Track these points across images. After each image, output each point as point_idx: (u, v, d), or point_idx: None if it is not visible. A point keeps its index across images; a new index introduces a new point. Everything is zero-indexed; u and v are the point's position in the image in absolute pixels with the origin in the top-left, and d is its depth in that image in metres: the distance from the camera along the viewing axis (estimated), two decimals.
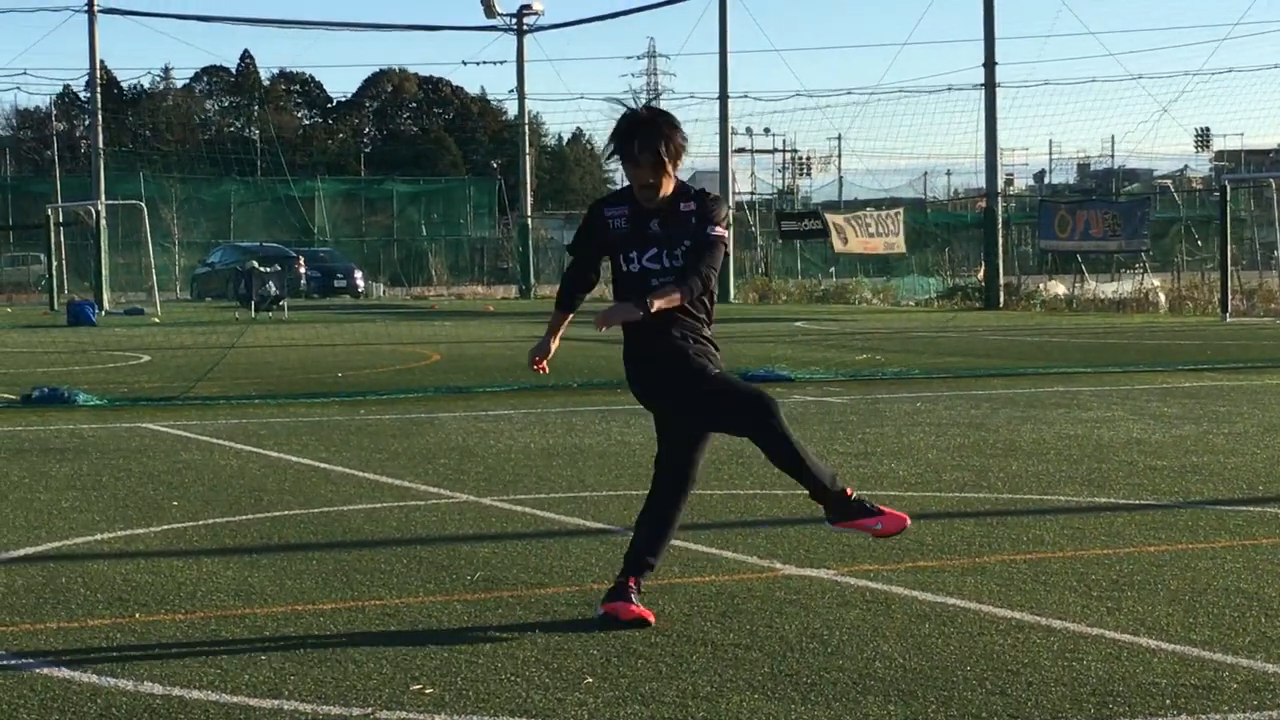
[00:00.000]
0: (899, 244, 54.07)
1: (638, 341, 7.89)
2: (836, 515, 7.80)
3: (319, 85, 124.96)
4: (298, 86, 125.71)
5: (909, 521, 7.84)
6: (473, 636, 7.50)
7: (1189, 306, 45.43)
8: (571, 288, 8.15)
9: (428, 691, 6.59)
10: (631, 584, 7.81)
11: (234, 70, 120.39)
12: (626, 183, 7.83)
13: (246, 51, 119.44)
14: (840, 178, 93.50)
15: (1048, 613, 7.84)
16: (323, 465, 13.58)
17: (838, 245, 54.51)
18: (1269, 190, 48.02)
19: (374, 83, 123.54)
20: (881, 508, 7.81)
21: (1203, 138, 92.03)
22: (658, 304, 7.58)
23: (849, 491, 7.80)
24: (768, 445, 7.82)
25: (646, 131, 7.60)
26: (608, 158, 7.91)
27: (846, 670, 6.83)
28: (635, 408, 17.97)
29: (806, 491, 7.89)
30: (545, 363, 8.19)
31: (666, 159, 7.61)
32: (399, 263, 77.16)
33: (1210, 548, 9.51)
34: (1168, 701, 6.32)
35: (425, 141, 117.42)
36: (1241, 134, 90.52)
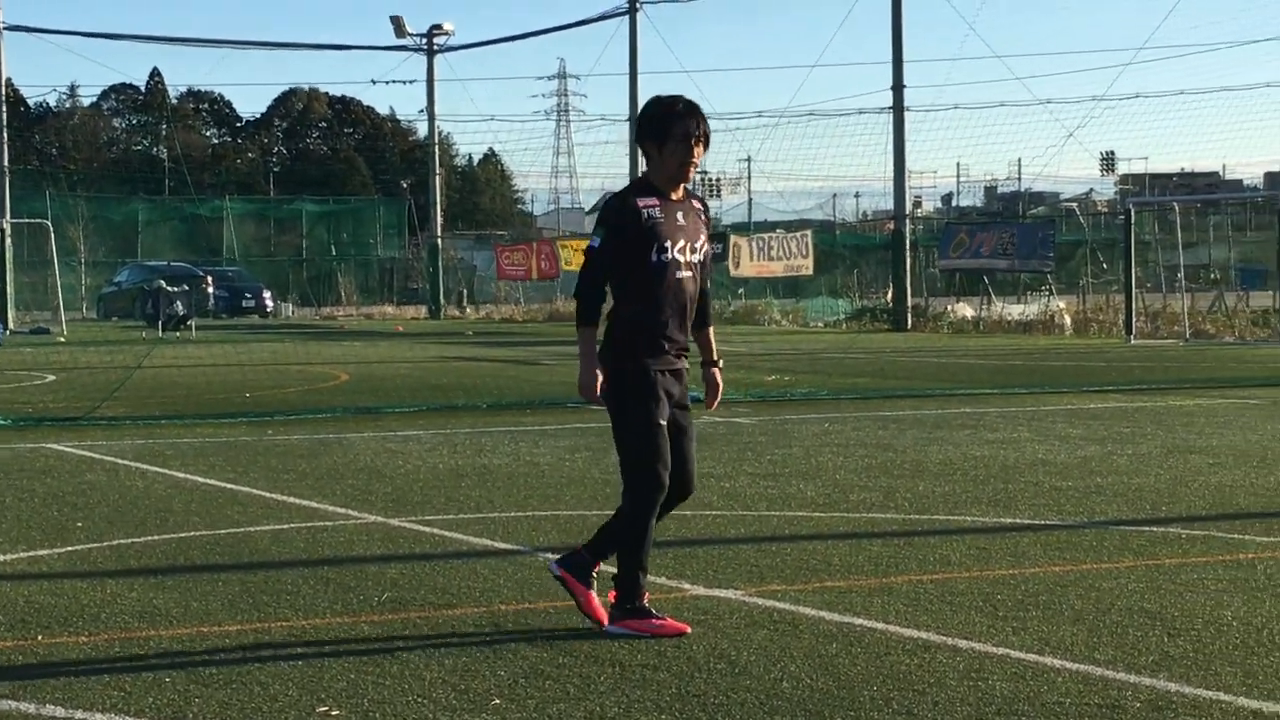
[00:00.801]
0: (806, 266, 54.26)
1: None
2: (619, 613, 7.94)
3: (228, 104, 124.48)
4: (206, 105, 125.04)
5: (688, 631, 7.87)
6: (380, 658, 7.47)
7: (1094, 328, 45.81)
8: (601, 298, 7.99)
9: (334, 713, 6.56)
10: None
11: (142, 88, 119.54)
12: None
13: (156, 70, 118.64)
14: (750, 199, 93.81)
15: (954, 632, 7.88)
16: (229, 486, 13.50)
17: (731, 268, 54.78)
18: (1173, 214, 48.50)
19: (283, 102, 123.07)
20: (664, 620, 7.89)
21: (1108, 161, 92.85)
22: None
23: (645, 597, 7.96)
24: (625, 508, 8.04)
25: (703, 114, 7.99)
26: (652, 137, 7.94)
27: (753, 690, 6.85)
28: (544, 428, 18.00)
29: (614, 571, 8.04)
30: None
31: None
32: (308, 282, 76.78)
33: (1114, 568, 9.59)
34: None
35: (335, 161, 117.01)
36: (1146, 158, 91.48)
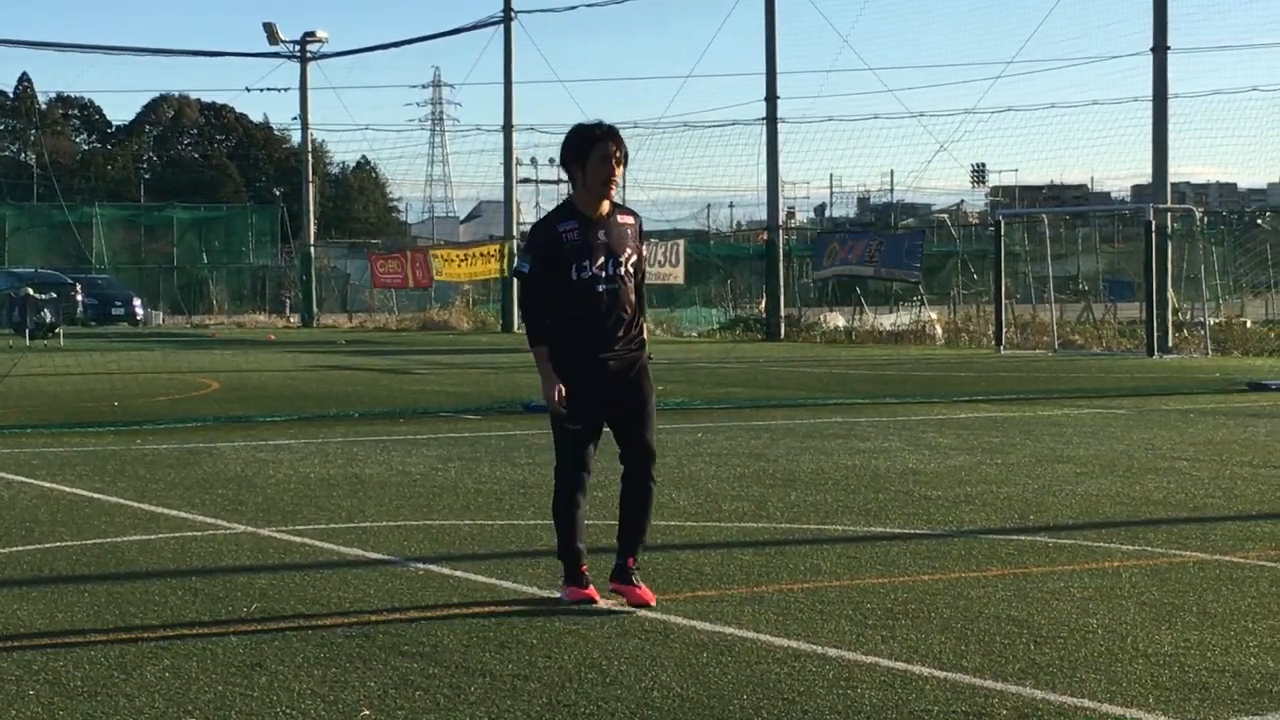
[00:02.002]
0: (677, 275, 54.40)
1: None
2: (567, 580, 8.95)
3: (98, 110, 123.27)
4: (76, 111, 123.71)
5: (597, 598, 8.80)
6: (248, 669, 7.41)
7: (965, 338, 46.22)
8: (544, 316, 8.75)
9: None
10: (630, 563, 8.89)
11: (10, 93, 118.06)
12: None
13: (25, 74, 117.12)
14: None
15: (823, 641, 7.92)
16: (97, 496, 13.35)
17: None
18: (1042, 225, 49.02)
19: (155, 108, 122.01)
20: (584, 589, 8.85)
21: (979, 174, 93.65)
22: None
23: (583, 568, 8.88)
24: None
25: (621, 136, 8.73)
26: (580, 157, 8.68)
27: (624, 700, 6.85)
28: (416, 437, 17.94)
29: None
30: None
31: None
32: (179, 290, 76.04)
33: (982, 576, 9.68)
34: None
35: (207, 168, 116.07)
36: (1016, 170, 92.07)
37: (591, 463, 8.91)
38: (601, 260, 8.67)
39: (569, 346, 8.71)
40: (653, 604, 8.65)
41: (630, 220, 8.86)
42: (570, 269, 8.63)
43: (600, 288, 8.68)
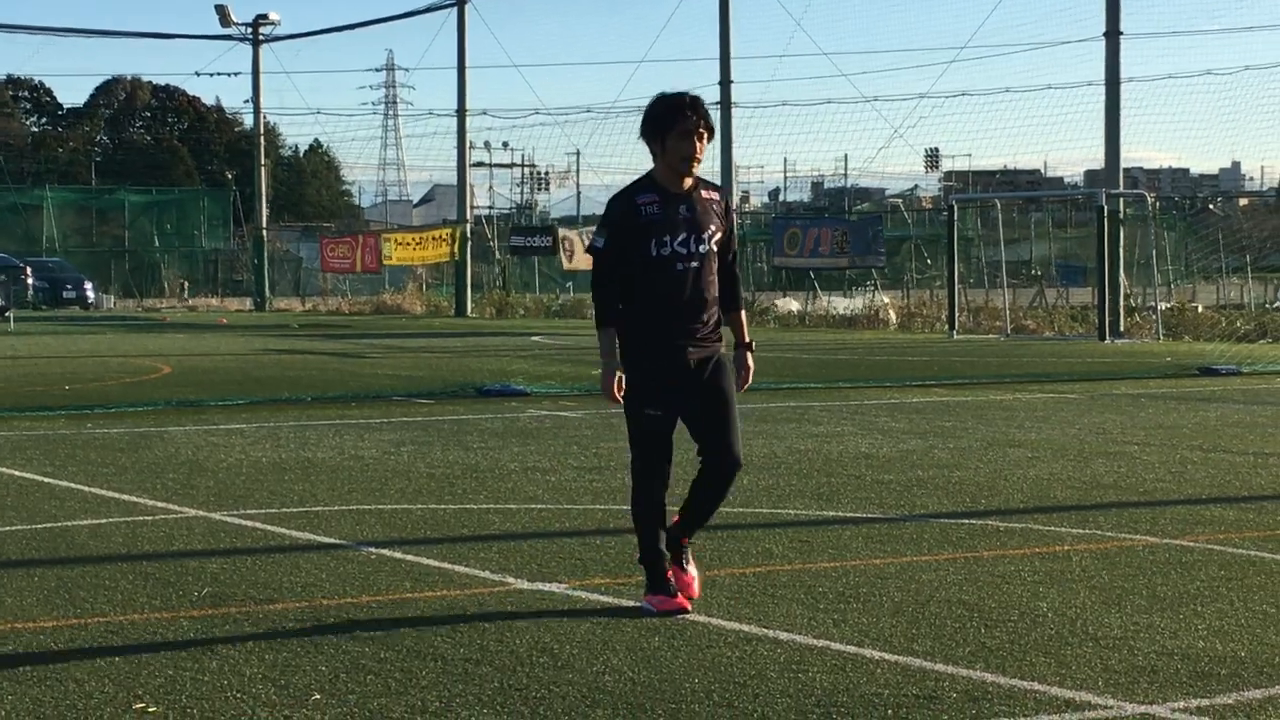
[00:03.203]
0: None
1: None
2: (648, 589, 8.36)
3: (49, 92, 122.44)
4: (26, 93, 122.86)
5: (688, 608, 8.22)
6: (199, 653, 7.39)
7: (918, 323, 46.34)
8: (615, 297, 8.22)
9: (151, 710, 6.48)
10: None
11: None
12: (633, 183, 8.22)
13: None
14: (579, 193, 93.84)
15: (775, 625, 7.94)
16: (47, 480, 13.29)
17: (564, 261, 54.90)
18: (995, 210, 49.24)
19: (106, 90, 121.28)
20: (672, 597, 8.24)
21: (933, 158, 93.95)
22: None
23: (668, 573, 8.34)
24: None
25: (705, 108, 8.16)
26: (660, 132, 8.11)
27: (576, 684, 6.86)
28: (369, 421, 17.90)
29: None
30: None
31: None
32: (130, 274, 75.73)
33: (933, 560, 9.71)
34: (890, 712, 6.44)
35: (159, 151, 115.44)
36: (969, 155, 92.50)
37: (671, 454, 8.41)
38: (683, 236, 8.11)
39: (645, 329, 8.17)
40: (695, 596, 8.37)
41: (715, 196, 8.30)
42: (649, 244, 8.08)
43: (680, 265, 8.11)
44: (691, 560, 8.53)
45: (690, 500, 8.54)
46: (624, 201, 8.15)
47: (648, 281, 8.12)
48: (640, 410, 8.28)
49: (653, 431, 8.32)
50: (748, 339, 8.66)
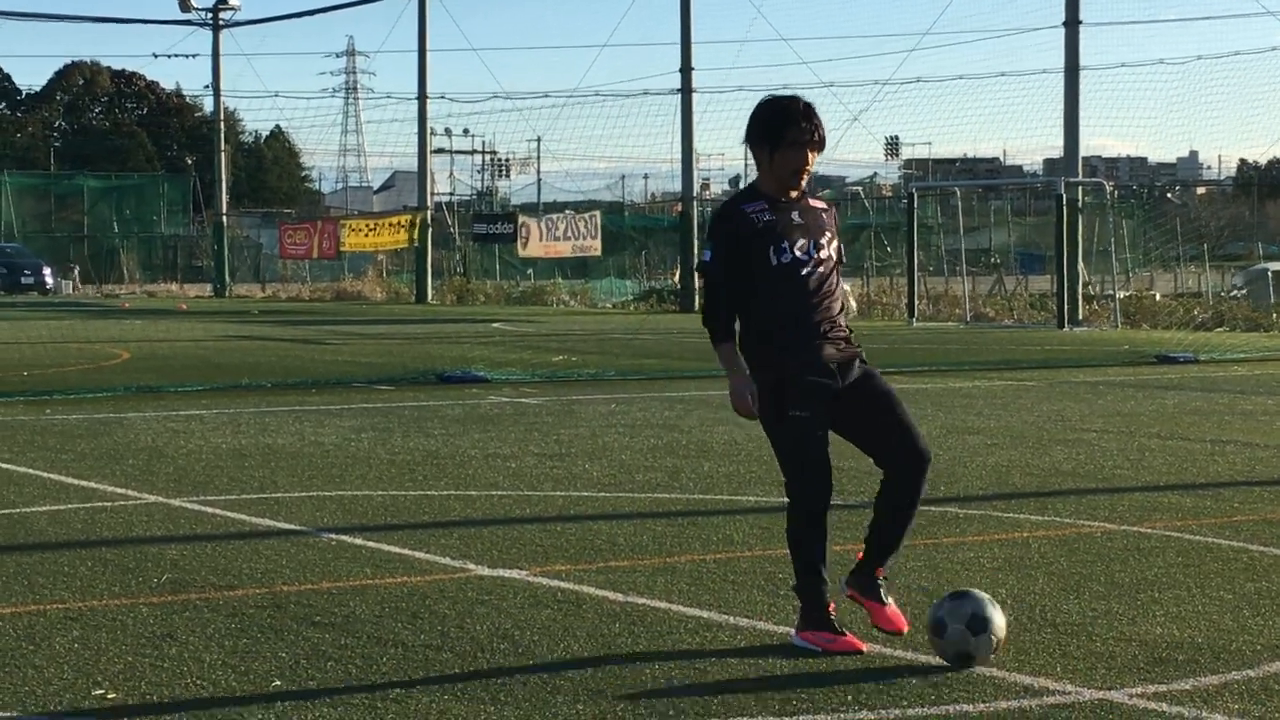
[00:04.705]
0: (595, 246, 54.50)
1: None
2: (801, 623, 7.48)
3: (7, 77, 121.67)
4: None
5: (863, 648, 7.30)
6: (159, 640, 7.38)
7: (877, 311, 46.42)
8: (731, 312, 7.56)
9: (110, 696, 6.47)
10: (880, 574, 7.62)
11: None
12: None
13: None
14: (539, 179, 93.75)
15: (736, 611, 7.96)
16: (5, 466, 13.24)
17: (520, 249, 54.93)
18: (954, 198, 49.29)
19: (65, 75, 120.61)
20: (844, 636, 7.37)
21: (893, 146, 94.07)
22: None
23: (830, 608, 7.46)
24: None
25: (819, 117, 7.52)
26: (771, 141, 7.47)
27: (536, 670, 6.86)
28: (329, 408, 17.88)
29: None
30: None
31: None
32: (89, 259, 75.47)
33: None
34: (849, 698, 6.47)
35: (118, 136, 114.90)
36: (930, 143, 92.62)
37: (829, 466, 7.66)
38: (802, 242, 7.48)
39: (775, 335, 7.49)
40: (903, 631, 7.45)
41: (824, 205, 7.71)
42: (768, 252, 7.44)
43: (804, 270, 7.47)
44: (890, 599, 7.63)
45: (876, 521, 7.75)
46: (732, 211, 7.57)
47: (771, 291, 7.47)
48: (785, 414, 7.49)
49: (804, 436, 7.51)
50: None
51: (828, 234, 7.60)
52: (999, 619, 6.99)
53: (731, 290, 7.50)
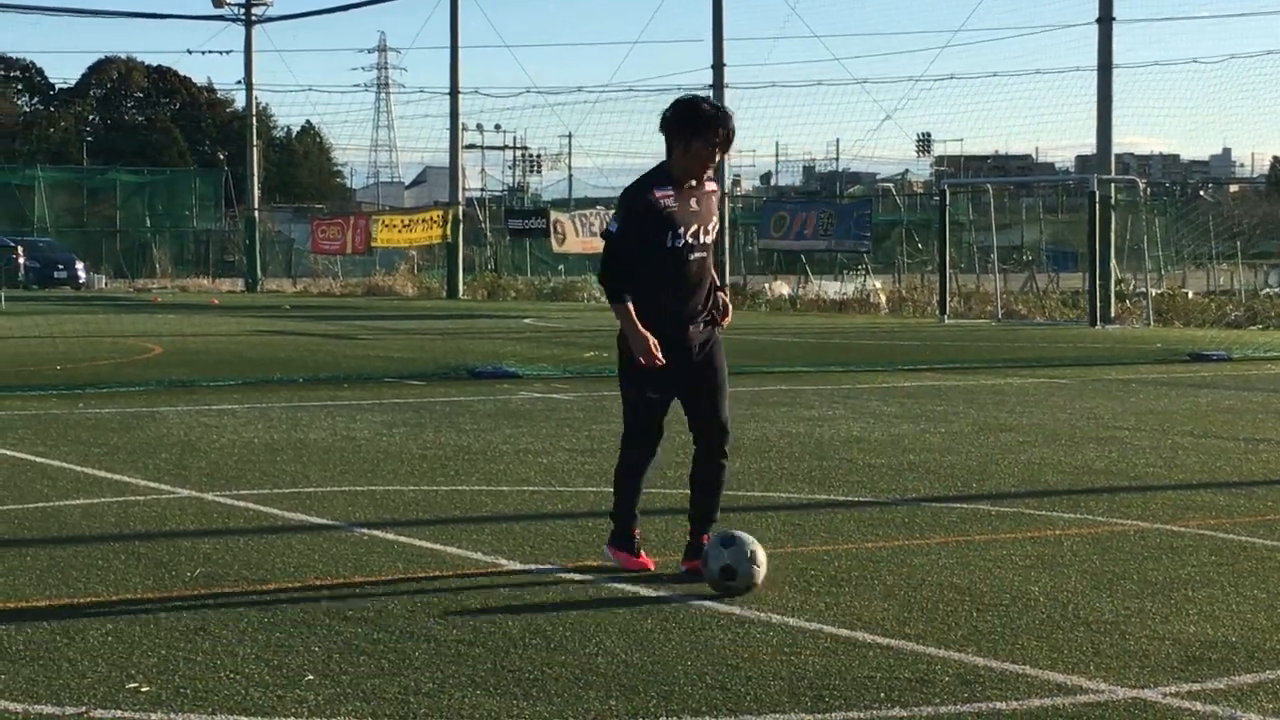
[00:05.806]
0: None
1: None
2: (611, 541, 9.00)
3: (41, 72, 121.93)
4: (18, 73, 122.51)
5: (651, 567, 8.83)
6: (191, 633, 7.40)
7: (909, 308, 46.32)
8: (629, 278, 8.61)
9: (144, 689, 6.49)
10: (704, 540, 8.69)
11: None
12: (658, 168, 8.72)
13: None
14: (570, 175, 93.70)
15: (767, 608, 7.95)
16: (39, 460, 13.29)
17: (555, 244, 54.91)
18: (986, 195, 49.20)
19: (99, 70, 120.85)
20: (635, 557, 8.89)
21: (924, 143, 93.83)
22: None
23: (635, 531, 8.92)
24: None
25: (733, 125, 8.64)
26: (688, 137, 8.54)
27: (568, 666, 6.87)
28: (360, 403, 17.90)
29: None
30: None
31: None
32: (122, 254, 75.67)
33: (925, 544, 9.73)
34: (882, 694, 6.45)
35: (151, 131, 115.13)
36: (961, 140, 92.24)
37: (663, 432, 9.00)
38: (694, 228, 8.64)
39: (654, 314, 8.63)
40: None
41: (714, 188, 8.85)
42: (666, 235, 8.58)
43: (692, 256, 8.64)
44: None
45: (694, 493, 9.01)
46: (642, 193, 8.61)
47: (659, 268, 8.59)
48: (643, 393, 8.81)
49: (651, 414, 8.89)
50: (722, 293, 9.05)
51: (715, 218, 8.81)
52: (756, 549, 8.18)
53: (631, 259, 8.58)
